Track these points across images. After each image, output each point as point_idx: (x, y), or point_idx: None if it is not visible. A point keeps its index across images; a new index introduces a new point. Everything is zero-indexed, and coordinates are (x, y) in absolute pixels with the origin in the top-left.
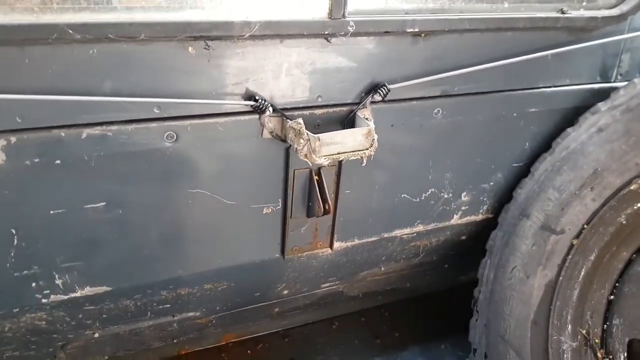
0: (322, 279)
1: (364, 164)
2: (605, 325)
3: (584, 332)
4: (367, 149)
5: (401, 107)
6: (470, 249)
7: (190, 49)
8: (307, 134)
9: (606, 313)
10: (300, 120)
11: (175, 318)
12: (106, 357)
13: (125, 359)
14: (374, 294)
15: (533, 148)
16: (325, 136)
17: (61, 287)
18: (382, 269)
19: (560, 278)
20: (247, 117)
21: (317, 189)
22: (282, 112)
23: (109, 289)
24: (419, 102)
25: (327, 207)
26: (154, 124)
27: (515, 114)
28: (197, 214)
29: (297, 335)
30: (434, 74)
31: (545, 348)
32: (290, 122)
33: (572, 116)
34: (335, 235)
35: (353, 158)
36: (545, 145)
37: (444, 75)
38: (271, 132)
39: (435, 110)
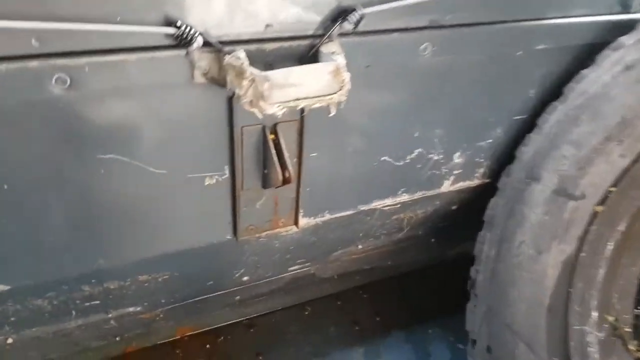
0: (289, 261)
1: (332, 114)
2: (637, 311)
3: (611, 319)
4: (335, 93)
5: (379, 42)
6: (462, 219)
7: None
8: (252, 72)
9: (638, 295)
10: (241, 53)
11: (110, 315)
12: None
13: None
14: (350, 274)
15: (540, 96)
16: (276, 75)
17: None
18: (360, 247)
19: (582, 254)
20: (169, 52)
21: (274, 151)
22: (217, 45)
23: (5, 287)
24: (401, 34)
25: (287, 174)
26: (33, 63)
27: (519, 53)
28: (114, 188)
29: (264, 324)
30: None
31: (565, 340)
32: (228, 56)
33: (585, 55)
34: (301, 210)
35: (317, 106)
36: (554, 93)
37: None
38: (205, 74)
39: (422, 46)
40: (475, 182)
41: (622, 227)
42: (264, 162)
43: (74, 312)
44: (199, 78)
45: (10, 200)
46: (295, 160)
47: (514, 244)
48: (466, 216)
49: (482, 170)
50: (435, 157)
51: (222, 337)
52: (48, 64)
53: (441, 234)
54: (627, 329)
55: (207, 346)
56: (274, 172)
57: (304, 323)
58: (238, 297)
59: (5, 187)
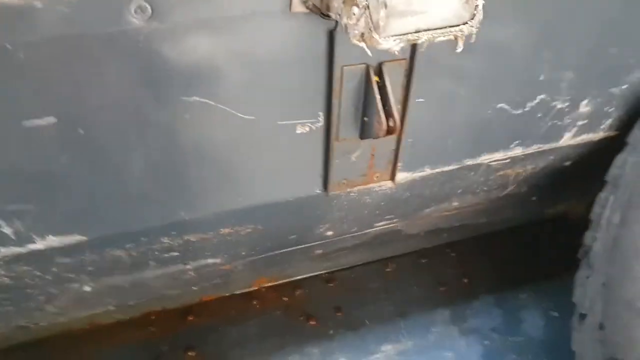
0: (377, 217)
1: (459, 49)
2: None
3: None
4: (465, 24)
5: None
6: (575, 177)
7: None
8: None
9: None
10: None
11: (188, 266)
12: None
13: (135, 308)
14: (439, 231)
15: None
16: (396, 0)
17: (12, 237)
18: (455, 204)
19: None
20: None
21: (378, 96)
22: None
23: (83, 238)
24: None
25: (392, 123)
26: None
27: None
28: (198, 134)
29: (344, 279)
30: None
31: None
32: None
33: None
34: (399, 164)
35: (442, 39)
36: None
37: None
38: (305, 2)
39: None
40: (599, 135)
41: None
42: (364, 108)
43: (151, 263)
44: (297, 6)
45: (87, 146)
46: (399, 107)
47: None
48: (581, 174)
49: (609, 121)
50: (560, 105)
51: (300, 290)
52: None
53: (545, 192)
54: None
55: (285, 298)
56: (377, 121)
57: (386, 280)
58: (319, 251)
59: (82, 131)
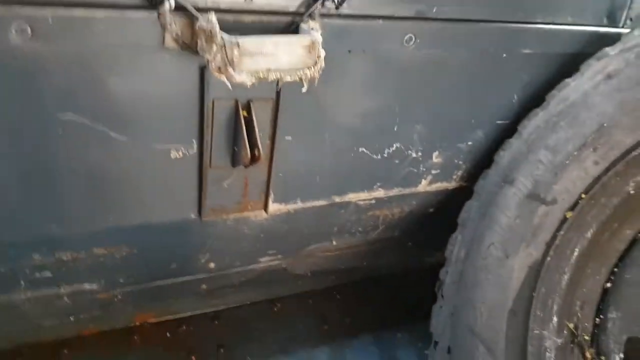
0: (259, 251)
1: (304, 89)
2: (597, 319)
3: (571, 326)
4: (309, 68)
5: (362, 27)
6: (439, 224)
7: None
8: (222, 36)
9: (600, 304)
10: (213, 17)
11: (63, 290)
12: None
13: (4, 339)
14: (325, 272)
15: (523, 102)
16: (248, 42)
17: None
18: (334, 243)
19: (548, 259)
20: (140, 13)
21: (245, 128)
22: (190, 8)
23: None
24: (386, 22)
25: (256, 153)
26: None
27: (505, 55)
28: (71, 150)
29: (230, 318)
30: None
31: (524, 344)
32: (199, 19)
33: (570, 65)
34: (272, 195)
35: (289, 79)
36: (536, 100)
37: None
38: (176, 39)
39: (407, 37)
40: (452, 184)
41: (589, 234)
42: (235, 139)
43: (22, 282)
44: (170, 42)
45: None
46: (268, 142)
47: (483, 246)
48: (443, 221)
49: (460, 172)
50: (414, 154)
51: (184, 327)
52: (10, 11)
53: (418, 238)
54: (586, 337)
55: (168, 334)
56: (244, 150)
57: (272, 319)
58: (205, 286)
59: None
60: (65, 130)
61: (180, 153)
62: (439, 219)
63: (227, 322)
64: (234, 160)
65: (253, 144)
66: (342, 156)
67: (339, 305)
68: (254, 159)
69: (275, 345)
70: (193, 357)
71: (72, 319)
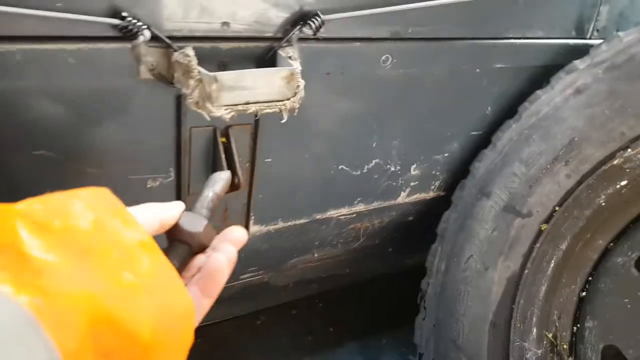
0: (241, 268)
1: (284, 120)
2: (575, 328)
3: (550, 336)
4: (288, 99)
5: (340, 50)
6: (418, 230)
7: None
8: (199, 71)
9: (577, 313)
10: (190, 51)
11: None
12: None
13: None
14: (307, 282)
15: (496, 114)
16: (226, 76)
17: None
18: (316, 255)
19: (526, 271)
20: (113, 45)
21: (224, 156)
22: (165, 40)
23: None
24: (363, 44)
25: (237, 181)
26: None
27: (478, 70)
28: (46, 186)
29: (213, 332)
30: (384, 5)
31: (505, 356)
32: (176, 53)
33: (541, 77)
34: (252, 217)
35: (269, 111)
36: (509, 111)
37: (396, 9)
38: (152, 70)
39: (384, 57)
40: (430, 194)
41: (564, 245)
42: (213, 166)
43: None
44: (145, 74)
45: None
46: (247, 165)
47: (462, 259)
48: (422, 228)
49: (437, 183)
50: (392, 169)
51: None
52: None
53: (398, 244)
54: (565, 346)
55: None
56: None
57: (256, 332)
58: None
59: None
60: (40, 166)
61: (158, 182)
62: (418, 225)
63: (210, 338)
64: None
65: (233, 172)
66: (322, 174)
67: (322, 313)
68: (235, 186)
69: (257, 356)
70: None
71: None
